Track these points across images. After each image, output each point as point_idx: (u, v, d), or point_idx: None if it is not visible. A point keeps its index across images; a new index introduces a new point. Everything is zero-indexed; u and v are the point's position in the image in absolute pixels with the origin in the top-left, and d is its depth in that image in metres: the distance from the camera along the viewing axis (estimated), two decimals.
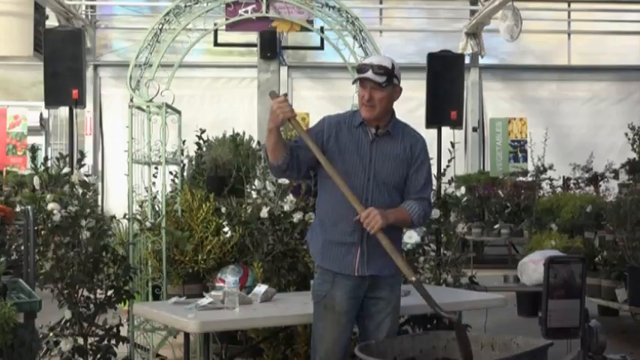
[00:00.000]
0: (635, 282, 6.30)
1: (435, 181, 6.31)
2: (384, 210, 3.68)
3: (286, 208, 5.46)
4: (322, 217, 3.88)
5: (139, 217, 5.47)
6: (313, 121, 13.27)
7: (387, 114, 3.83)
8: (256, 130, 7.13)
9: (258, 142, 6.64)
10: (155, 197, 5.61)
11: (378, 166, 3.76)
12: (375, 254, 3.77)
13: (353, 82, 3.87)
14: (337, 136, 3.76)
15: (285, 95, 3.74)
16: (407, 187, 3.85)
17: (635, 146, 9.52)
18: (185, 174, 6.40)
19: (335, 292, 3.77)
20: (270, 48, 7.00)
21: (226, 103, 14.39)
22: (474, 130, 14.68)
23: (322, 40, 6.60)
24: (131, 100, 5.52)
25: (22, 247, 4.42)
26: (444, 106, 6.63)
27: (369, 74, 3.70)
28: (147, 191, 5.55)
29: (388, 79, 3.72)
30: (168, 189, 5.80)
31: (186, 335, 4.19)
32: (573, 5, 15.35)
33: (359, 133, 3.78)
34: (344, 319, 3.78)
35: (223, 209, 5.69)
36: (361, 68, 3.75)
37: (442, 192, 6.33)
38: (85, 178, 5.14)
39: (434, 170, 6.41)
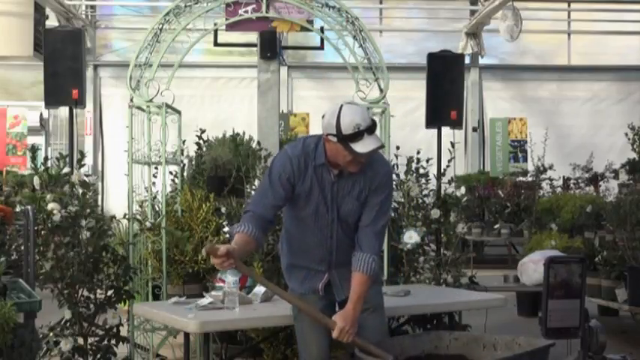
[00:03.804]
0: (635, 282, 6.30)
1: (435, 181, 6.33)
2: (350, 310, 3.64)
3: None
4: (290, 244, 3.90)
5: (139, 217, 5.46)
6: (313, 121, 13.15)
7: None
8: (256, 130, 7.11)
9: (259, 142, 6.64)
10: (155, 197, 5.61)
11: (340, 207, 3.72)
12: (343, 279, 3.80)
13: (364, 156, 3.54)
14: (305, 176, 3.66)
15: (222, 250, 3.46)
16: (361, 216, 3.74)
17: (635, 146, 9.52)
18: (185, 174, 6.40)
19: (308, 295, 3.84)
20: (270, 48, 6.97)
21: (226, 103, 14.38)
22: (474, 130, 14.67)
23: (322, 40, 6.58)
24: (131, 100, 5.52)
25: (22, 247, 4.42)
26: (444, 106, 6.63)
27: (375, 144, 3.53)
28: (147, 191, 5.55)
29: None
30: (168, 189, 5.80)
31: (186, 335, 4.19)
32: (573, 5, 15.34)
33: (322, 172, 3.68)
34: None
35: (223, 209, 5.69)
36: (359, 135, 3.48)
37: (442, 192, 6.33)
38: (85, 178, 5.14)
39: (434, 170, 6.44)
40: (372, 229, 3.72)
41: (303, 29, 6.16)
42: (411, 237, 5.72)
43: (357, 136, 3.49)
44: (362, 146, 3.50)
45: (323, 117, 3.61)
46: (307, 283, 3.85)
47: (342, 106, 3.57)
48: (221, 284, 4.86)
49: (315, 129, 9.98)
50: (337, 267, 3.81)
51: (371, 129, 3.53)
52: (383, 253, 5.54)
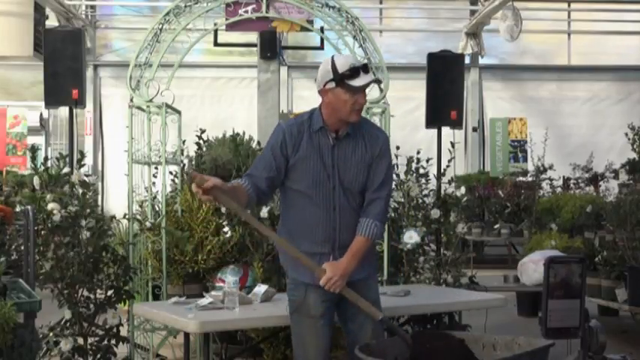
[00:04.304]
0: (635, 282, 6.30)
1: (435, 181, 6.33)
2: (343, 262, 3.65)
3: None
4: (290, 228, 3.80)
5: (139, 217, 5.47)
6: None
7: None
8: (256, 130, 7.12)
9: (259, 142, 6.65)
10: (155, 197, 5.61)
11: (342, 172, 3.69)
12: None
13: (363, 88, 3.63)
14: (299, 144, 3.66)
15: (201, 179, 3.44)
16: (370, 180, 3.75)
17: (635, 146, 9.51)
18: (185, 174, 6.40)
19: (308, 298, 3.73)
20: (270, 48, 7.00)
21: (226, 103, 14.39)
22: (474, 130, 14.68)
23: (322, 40, 6.60)
24: (131, 100, 5.52)
25: (22, 247, 4.42)
26: (444, 106, 6.63)
27: (369, 78, 3.64)
28: (147, 191, 5.55)
29: None
30: (168, 189, 5.80)
31: (186, 335, 4.19)
32: (573, 5, 15.34)
33: (319, 138, 3.68)
34: (320, 323, 3.74)
35: (223, 209, 5.68)
36: (352, 72, 3.58)
37: (442, 192, 6.33)
38: (85, 178, 5.14)
39: (434, 170, 6.45)
40: (378, 195, 3.73)
41: (303, 29, 6.16)
42: (411, 237, 5.72)
43: (354, 73, 3.58)
44: (360, 81, 3.58)
45: (315, 80, 3.69)
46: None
47: (332, 56, 3.70)
48: (221, 284, 4.87)
49: None
50: (341, 249, 3.70)
51: (365, 68, 3.63)
52: (383, 253, 5.54)
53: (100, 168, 14.34)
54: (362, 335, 3.76)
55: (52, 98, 6.61)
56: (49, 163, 5.32)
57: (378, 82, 3.67)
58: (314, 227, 3.71)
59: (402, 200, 5.97)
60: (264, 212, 5.44)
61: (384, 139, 3.82)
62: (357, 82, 3.58)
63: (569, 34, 15.47)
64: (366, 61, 3.77)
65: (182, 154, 6.22)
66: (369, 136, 3.75)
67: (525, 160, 12.84)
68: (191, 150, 6.69)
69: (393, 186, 5.26)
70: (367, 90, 3.71)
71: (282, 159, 3.66)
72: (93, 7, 14.50)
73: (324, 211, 3.69)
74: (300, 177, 3.68)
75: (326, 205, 3.68)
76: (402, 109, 11.65)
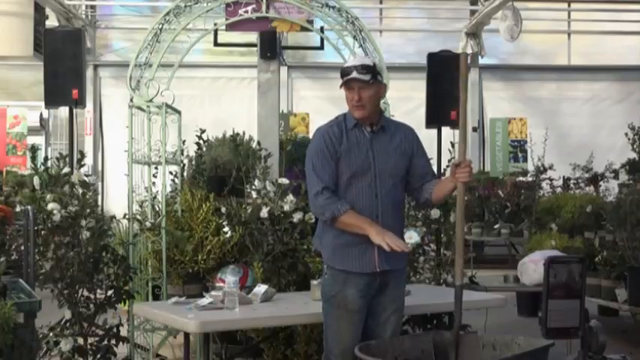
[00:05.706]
0: (635, 282, 6.30)
1: None
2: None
3: (286, 208, 5.46)
4: None
5: (139, 217, 5.47)
6: (313, 121, 13.11)
7: (377, 111, 3.90)
8: (256, 130, 7.11)
9: (259, 142, 6.64)
10: (155, 197, 5.62)
11: (382, 161, 3.81)
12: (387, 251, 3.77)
13: (340, 86, 3.87)
14: (341, 140, 3.81)
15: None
16: (421, 173, 3.93)
17: (635, 146, 9.50)
18: (185, 174, 6.40)
19: (347, 291, 3.78)
20: (270, 48, 6.98)
21: (226, 103, 14.37)
22: (474, 130, 14.65)
23: (322, 40, 6.60)
24: (131, 100, 5.53)
25: (22, 247, 4.42)
26: (444, 106, 6.63)
27: (355, 74, 3.77)
28: (147, 191, 5.55)
29: (373, 76, 3.80)
30: (169, 189, 5.81)
31: (186, 335, 4.19)
32: (573, 5, 15.33)
33: (356, 134, 3.83)
34: (357, 318, 3.81)
35: (223, 209, 5.69)
36: (345, 71, 3.81)
37: None
38: (85, 178, 5.14)
39: (434, 170, 6.44)
40: (435, 177, 4.04)
41: (303, 29, 6.17)
42: (411, 237, 5.72)
43: (347, 69, 3.81)
44: (346, 78, 3.79)
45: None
46: (361, 259, 3.77)
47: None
48: (221, 284, 4.87)
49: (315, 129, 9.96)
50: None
51: (361, 67, 3.79)
52: None
53: (100, 168, 14.33)
54: (382, 333, 3.81)
55: (52, 98, 6.61)
56: (49, 163, 5.32)
57: (356, 80, 3.76)
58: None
59: None
60: (264, 212, 5.44)
61: (414, 131, 4.02)
62: (343, 79, 3.81)
63: (569, 34, 15.46)
64: (368, 61, 3.84)
65: (182, 154, 6.22)
66: (402, 128, 3.97)
67: (525, 160, 12.84)
68: (191, 150, 6.69)
69: None
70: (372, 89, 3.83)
71: (336, 156, 3.79)
72: (93, 7, 14.49)
73: (367, 199, 3.79)
74: (343, 169, 3.79)
75: (369, 193, 3.79)
76: (402, 109, 11.59)
